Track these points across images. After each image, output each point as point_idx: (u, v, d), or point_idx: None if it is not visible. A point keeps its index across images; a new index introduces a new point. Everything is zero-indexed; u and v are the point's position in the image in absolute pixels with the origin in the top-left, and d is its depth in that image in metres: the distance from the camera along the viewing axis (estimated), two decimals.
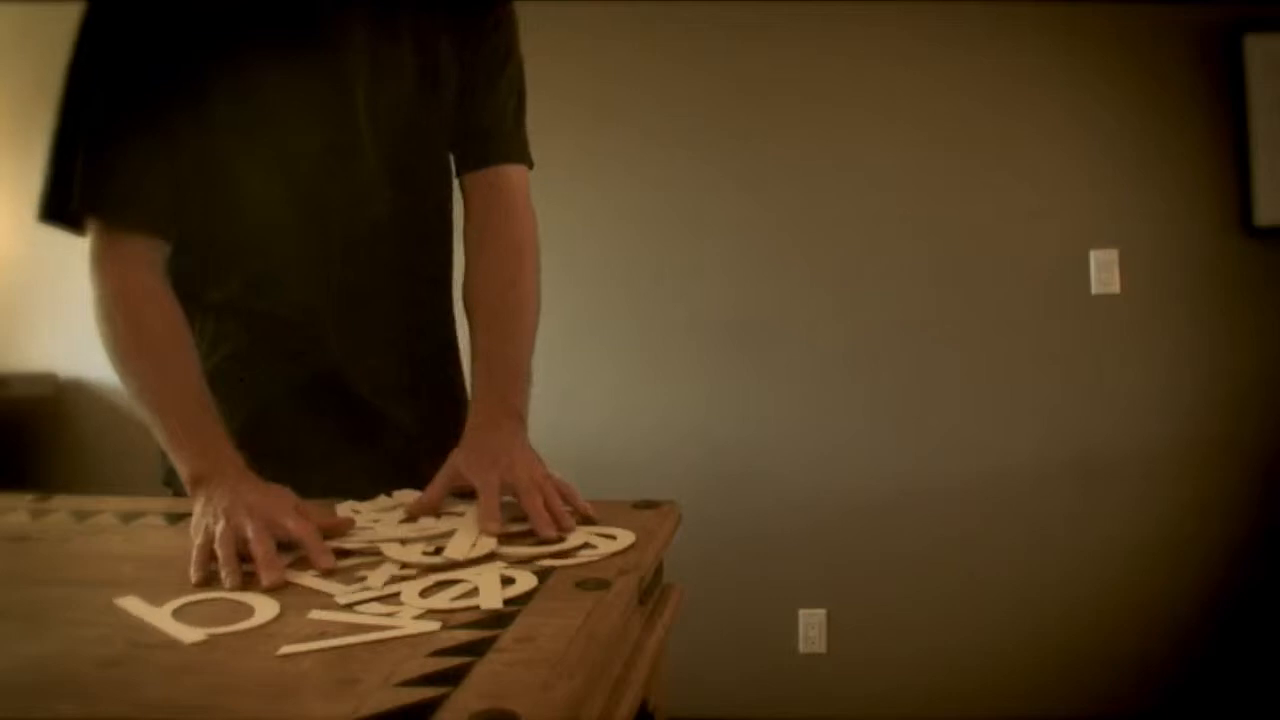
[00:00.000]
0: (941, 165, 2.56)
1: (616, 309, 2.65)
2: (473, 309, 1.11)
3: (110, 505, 0.94)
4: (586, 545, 0.76)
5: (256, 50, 0.99)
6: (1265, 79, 2.39)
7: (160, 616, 0.60)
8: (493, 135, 1.17)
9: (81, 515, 0.92)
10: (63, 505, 0.95)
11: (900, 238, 2.57)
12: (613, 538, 0.77)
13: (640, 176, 2.66)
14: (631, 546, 0.76)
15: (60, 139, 0.98)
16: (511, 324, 1.10)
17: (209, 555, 0.74)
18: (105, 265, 0.97)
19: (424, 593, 0.65)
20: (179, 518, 0.90)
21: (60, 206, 0.99)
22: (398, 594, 0.65)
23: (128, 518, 0.91)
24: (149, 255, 0.98)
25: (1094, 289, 2.49)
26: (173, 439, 0.91)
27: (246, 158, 1.01)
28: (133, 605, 0.62)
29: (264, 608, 0.62)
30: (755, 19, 2.61)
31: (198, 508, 0.82)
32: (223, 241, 1.03)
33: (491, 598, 0.64)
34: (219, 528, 0.76)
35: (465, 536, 0.78)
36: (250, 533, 0.75)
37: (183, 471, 0.88)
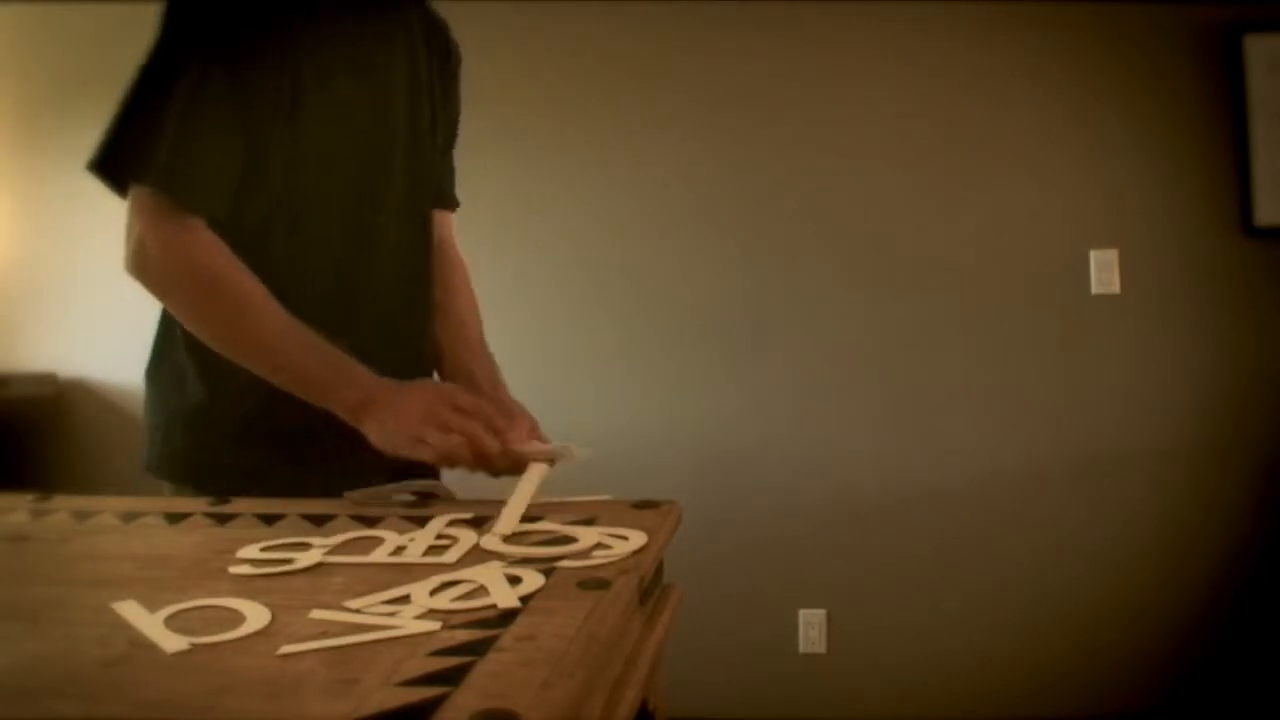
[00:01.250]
0: (941, 165, 2.56)
1: (619, 308, 2.65)
2: (441, 330, 1.26)
3: (110, 505, 0.94)
4: (600, 546, 0.76)
5: (328, 65, 1.07)
6: (1265, 79, 2.40)
7: (151, 624, 0.60)
8: (445, 183, 1.31)
9: (81, 515, 0.91)
10: (63, 505, 0.95)
11: (899, 238, 2.58)
12: (625, 538, 0.77)
13: (641, 174, 2.66)
14: (645, 547, 0.76)
15: (136, 100, 1.01)
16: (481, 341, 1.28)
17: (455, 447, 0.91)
18: (180, 240, 1.01)
19: (431, 594, 0.65)
20: (179, 517, 0.90)
21: (116, 166, 1.02)
22: (407, 596, 0.65)
23: (128, 518, 0.91)
24: (208, 225, 1.03)
25: (1094, 289, 2.49)
26: (314, 383, 0.99)
27: (300, 157, 1.07)
28: (128, 610, 0.62)
29: (255, 615, 0.62)
30: (757, 17, 2.61)
31: (375, 428, 0.95)
32: (258, 231, 1.07)
33: (506, 597, 0.64)
34: (451, 417, 0.93)
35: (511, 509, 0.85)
36: (469, 406, 0.95)
37: (339, 405, 0.98)
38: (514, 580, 0.67)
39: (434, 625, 0.59)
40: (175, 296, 1.03)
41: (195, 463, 1.09)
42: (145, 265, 1.01)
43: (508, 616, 0.60)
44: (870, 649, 2.56)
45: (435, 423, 0.93)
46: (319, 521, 0.87)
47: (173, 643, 0.57)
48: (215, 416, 1.08)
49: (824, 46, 2.61)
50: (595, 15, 2.68)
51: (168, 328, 1.12)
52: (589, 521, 0.83)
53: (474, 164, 2.65)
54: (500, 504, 0.90)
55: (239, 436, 1.08)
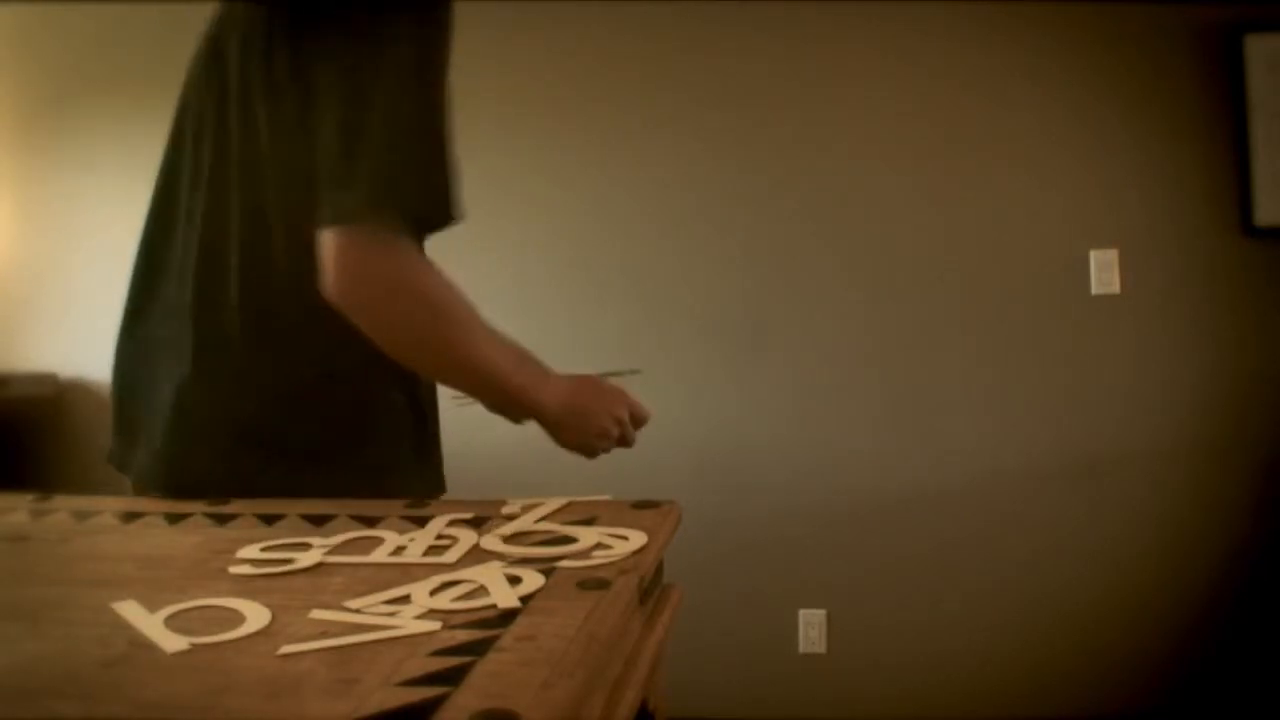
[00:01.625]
0: (941, 165, 2.56)
1: (618, 307, 2.65)
2: None
3: (110, 505, 0.94)
4: (600, 546, 0.76)
5: None
6: (1265, 79, 2.39)
7: (151, 623, 0.60)
8: None
9: (81, 515, 0.91)
10: (63, 505, 0.95)
11: (899, 238, 2.57)
12: (625, 538, 0.77)
13: (641, 174, 2.66)
14: (645, 547, 0.76)
15: (399, 130, 0.95)
16: None
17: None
18: (426, 267, 1.00)
19: (431, 594, 0.65)
20: (179, 518, 0.90)
21: (442, 210, 0.98)
22: (407, 596, 0.65)
23: (128, 518, 0.91)
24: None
25: (1094, 289, 2.49)
26: (525, 399, 1.07)
27: None
28: (128, 610, 0.62)
29: (255, 615, 0.62)
30: (757, 17, 2.61)
31: (571, 437, 1.10)
32: None
33: (506, 597, 0.64)
34: (628, 428, 1.13)
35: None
36: (639, 413, 1.15)
37: (541, 416, 1.08)
38: (514, 580, 0.67)
39: (434, 625, 0.59)
40: (405, 323, 0.98)
41: (260, 481, 1.02)
42: (376, 294, 0.95)
43: (508, 616, 0.60)
44: (870, 649, 2.55)
45: (616, 426, 1.12)
46: (319, 521, 0.87)
47: (173, 643, 0.57)
48: (287, 435, 1.05)
49: (824, 46, 2.61)
50: (595, 15, 2.68)
51: (214, 340, 1.05)
52: (589, 521, 0.83)
53: (473, 164, 2.66)
54: (500, 503, 0.90)
55: (307, 454, 1.05)
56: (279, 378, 1.05)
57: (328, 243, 0.93)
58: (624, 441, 1.15)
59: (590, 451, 1.13)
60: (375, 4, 0.96)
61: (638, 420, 1.15)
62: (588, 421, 1.10)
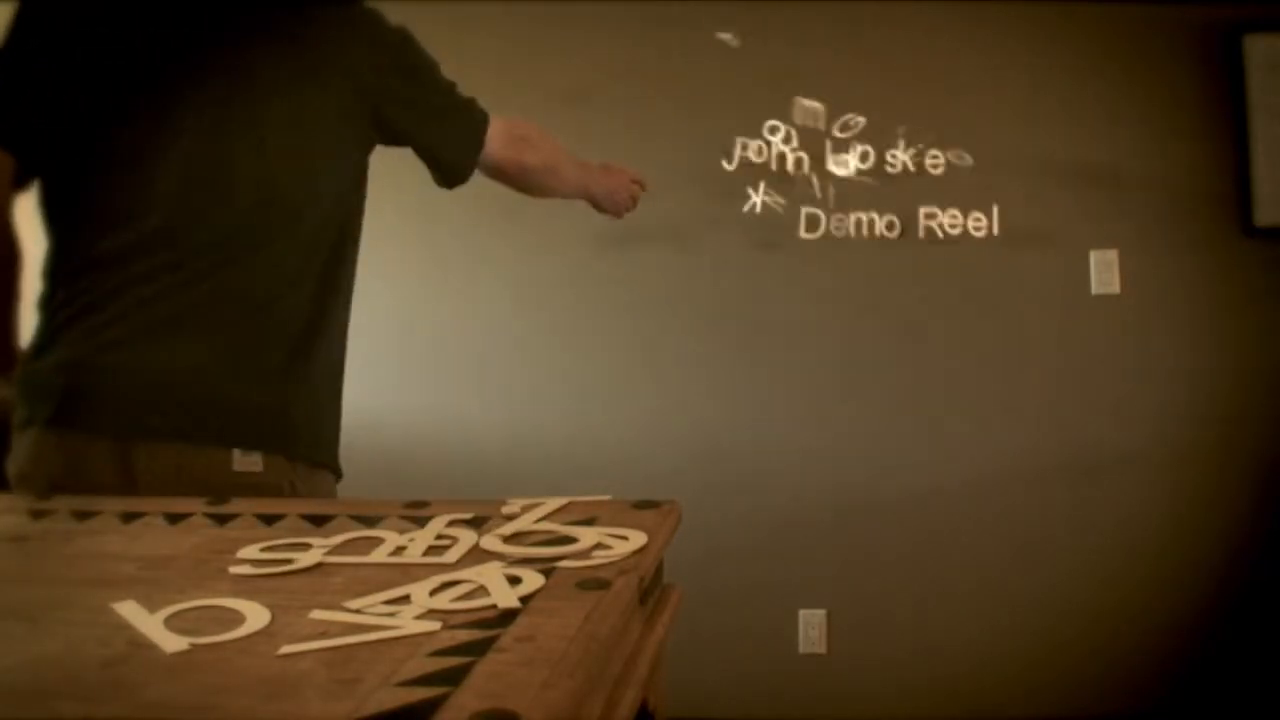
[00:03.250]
0: (942, 165, 2.55)
1: (619, 306, 2.65)
2: None
3: (110, 505, 0.94)
4: (600, 546, 0.76)
5: None
6: (1265, 79, 2.39)
7: (151, 624, 0.60)
8: None
9: (81, 515, 0.92)
10: (63, 505, 0.95)
11: (900, 238, 2.57)
12: (625, 538, 0.77)
13: (641, 172, 2.65)
14: (645, 547, 0.76)
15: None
16: None
17: None
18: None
19: (431, 594, 0.65)
20: (179, 518, 0.90)
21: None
22: (407, 596, 0.65)
23: (128, 518, 0.91)
24: None
25: (1094, 289, 2.49)
26: (584, 188, 1.61)
27: None
28: (128, 610, 0.63)
29: (255, 615, 0.62)
30: (758, 17, 2.61)
31: (608, 197, 1.64)
32: None
33: (506, 597, 0.64)
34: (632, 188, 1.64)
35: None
36: None
37: (594, 191, 1.62)
38: (514, 580, 0.67)
39: (434, 625, 0.59)
40: (548, 143, 1.47)
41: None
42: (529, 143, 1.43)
43: (508, 616, 0.60)
44: (870, 649, 2.55)
45: (631, 188, 1.64)
46: (319, 521, 0.87)
47: (173, 643, 0.57)
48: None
49: (824, 47, 2.61)
50: (595, 15, 2.67)
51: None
52: (589, 521, 0.83)
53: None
54: (500, 503, 0.90)
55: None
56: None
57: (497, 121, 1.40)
58: (634, 201, 1.63)
59: (619, 208, 1.61)
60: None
61: (638, 181, 1.63)
62: (616, 186, 1.60)
